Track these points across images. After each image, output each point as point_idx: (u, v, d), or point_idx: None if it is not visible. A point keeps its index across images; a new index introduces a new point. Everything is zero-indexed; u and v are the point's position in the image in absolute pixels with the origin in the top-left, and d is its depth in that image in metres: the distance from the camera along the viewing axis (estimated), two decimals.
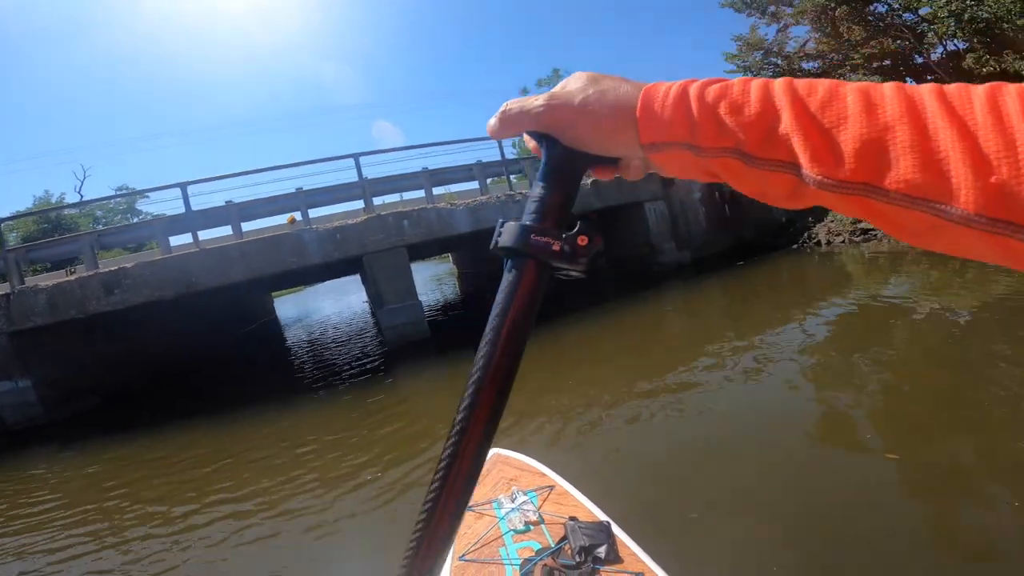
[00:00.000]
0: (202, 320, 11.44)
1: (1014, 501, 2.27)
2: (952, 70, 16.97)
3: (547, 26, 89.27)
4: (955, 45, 17.56)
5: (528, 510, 2.03)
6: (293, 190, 8.24)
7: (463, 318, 11.96)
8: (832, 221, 12.01)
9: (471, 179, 9.36)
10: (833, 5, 17.85)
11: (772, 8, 20.90)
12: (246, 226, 7.96)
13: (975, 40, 13.87)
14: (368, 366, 7.81)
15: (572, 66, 65.58)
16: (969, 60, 15.23)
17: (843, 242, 11.13)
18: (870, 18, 17.92)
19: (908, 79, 19.22)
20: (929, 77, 18.05)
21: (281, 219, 8.99)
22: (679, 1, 79.39)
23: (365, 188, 8.24)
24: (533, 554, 1.75)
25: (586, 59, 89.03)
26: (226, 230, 7.98)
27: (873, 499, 2.49)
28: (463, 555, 1.86)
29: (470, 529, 2.02)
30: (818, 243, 11.31)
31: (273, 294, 26.33)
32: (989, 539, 2.16)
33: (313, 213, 8.25)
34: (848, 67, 19.25)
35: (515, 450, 2.61)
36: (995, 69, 14.62)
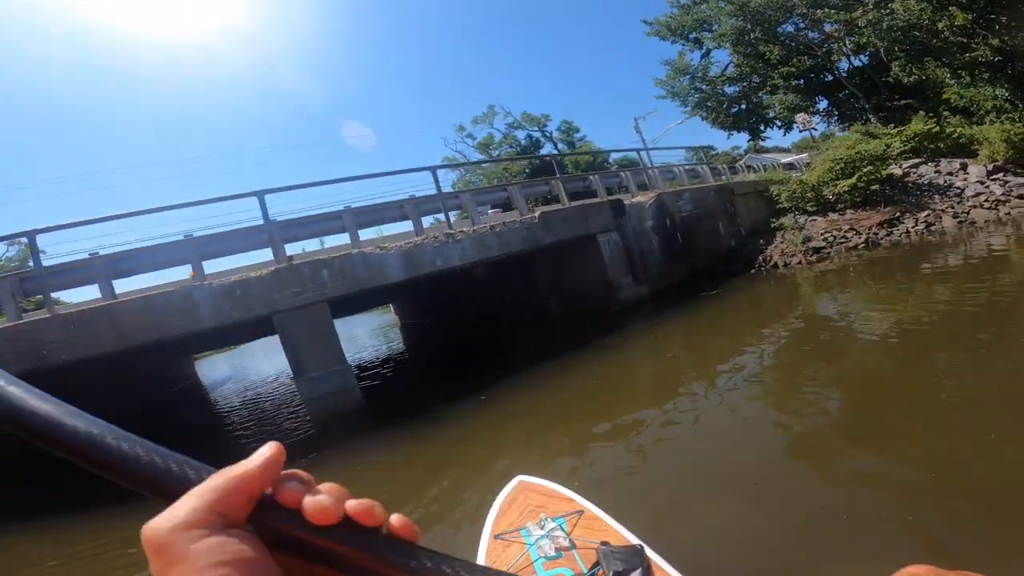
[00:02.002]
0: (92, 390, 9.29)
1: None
2: (860, 85, 18.16)
3: (482, 63, 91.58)
4: (859, 61, 18.95)
5: (558, 536, 2.02)
6: (181, 236, 6.76)
7: (405, 376, 10.53)
8: (783, 243, 11.80)
9: (403, 218, 8.21)
10: (749, 27, 18.87)
11: (694, 34, 21.99)
12: (131, 283, 6.35)
13: (896, 48, 14.65)
14: (288, 443, 6.23)
15: (507, 103, 67.29)
16: (895, 69, 16.19)
17: (799, 263, 10.84)
18: (782, 38, 19.08)
19: (821, 98, 20.47)
20: (842, 93, 19.27)
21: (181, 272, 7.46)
22: (614, 31, 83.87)
23: (272, 233, 6.89)
24: None
25: (522, 95, 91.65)
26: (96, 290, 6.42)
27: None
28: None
29: (500, 557, 2.02)
30: (775, 266, 10.98)
31: (200, 355, 23.47)
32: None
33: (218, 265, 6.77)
34: (768, 88, 20.38)
35: (538, 476, 2.60)
36: (920, 77, 15.58)
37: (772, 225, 12.99)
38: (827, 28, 18.43)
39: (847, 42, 18.58)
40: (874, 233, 11.58)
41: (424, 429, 5.85)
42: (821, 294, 8.92)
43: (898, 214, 12.07)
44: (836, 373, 4.91)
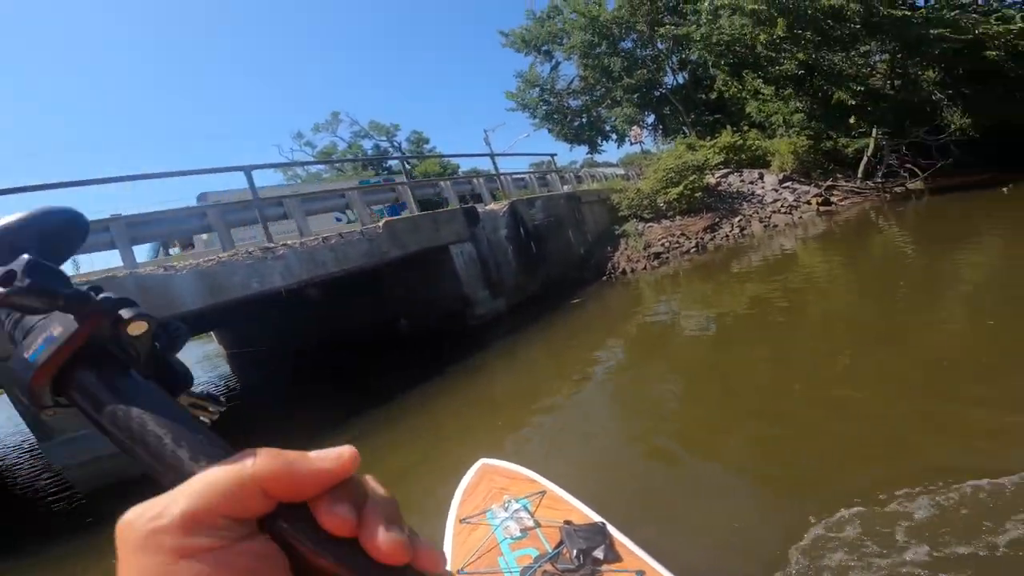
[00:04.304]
0: None
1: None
2: (682, 100, 20.67)
3: (327, 66, 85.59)
4: (682, 78, 21.57)
5: (523, 517, 2.11)
6: None
7: (232, 415, 8.51)
8: (627, 249, 12.35)
9: (205, 229, 6.59)
10: (596, 40, 20.29)
11: (546, 47, 23.01)
12: None
13: (722, 62, 16.53)
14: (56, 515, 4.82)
15: (355, 111, 63.94)
16: (719, 82, 18.36)
17: (643, 268, 11.38)
18: (623, 53, 20.92)
19: (647, 112, 22.86)
20: (667, 108, 21.78)
21: None
22: (469, 44, 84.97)
23: None
24: (532, 561, 1.84)
25: (370, 107, 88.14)
26: None
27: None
28: (462, 568, 1.94)
29: (466, 542, 2.09)
30: (623, 272, 11.43)
31: None
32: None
33: None
34: (609, 101, 22.18)
35: (501, 459, 2.73)
36: (739, 90, 17.90)
37: (615, 232, 13.66)
38: (660, 46, 20.50)
39: (674, 59, 20.87)
40: (701, 238, 12.83)
41: None
42: (659, 297, 9.93)
43: (717, 220, 13.63)
44: (667, 365, 5.93)
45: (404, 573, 0.25)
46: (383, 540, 0.24)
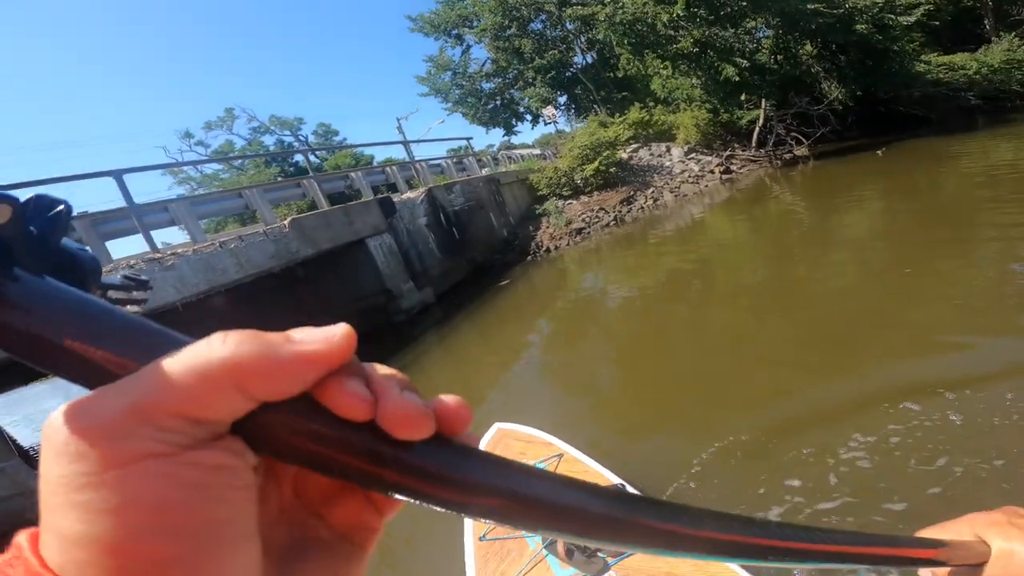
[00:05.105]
0: None
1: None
2: (592, 79, 21.08)
3: (217, 60, 77.92)
4: (591, 58, 21.97)
5: None
6: None
7: None
8: (550, 227, 12.46)
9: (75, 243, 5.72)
10: (507, 23, 20.11)
11: (456, 31, 22.44)
12: None
13: (625, 41, 16.87)
14: None
15: (254, 105, 59.14)
16: (623, 61, 18.77)
17: (567, 245, 11.53)
18: (533, 35, 20.93)
19: (561, 93, 23.16)
20: (578, 88, 22.14)
21: None
22: (376, 30, 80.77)
23: None
24: None
25: (271, 101, 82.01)
26: None
27: None
28: (483, 535, 1.96)
29: None
30: (547, 250, 11.52)
31: None
32: None
33: None
34: (521, 83, 22.17)
35: (516, 423, 2.76)
36: (639, 71, 18.40)
37: (536, 211, 13.73)
38: (568, 27, 20.64)
39: (583, 39, 21.13)
40: (618, 211, 13.17)
41: None
42: (584, 271, 10.15)
43: (632, 192, 14.06)
44: (597, 335, 6.22)
45: (437, 442, 0.21)
46: (410, 410, 0.20)
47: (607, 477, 2.18)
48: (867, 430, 2.71)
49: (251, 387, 0.18)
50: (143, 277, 0.32)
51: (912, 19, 17.38)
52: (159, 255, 6.45)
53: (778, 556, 0.29)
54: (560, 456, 2.35)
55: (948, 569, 0.45)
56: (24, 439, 12.78)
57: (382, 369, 0.22)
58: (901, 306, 4.21)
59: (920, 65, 18.89)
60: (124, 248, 14.12)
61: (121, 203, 6.77)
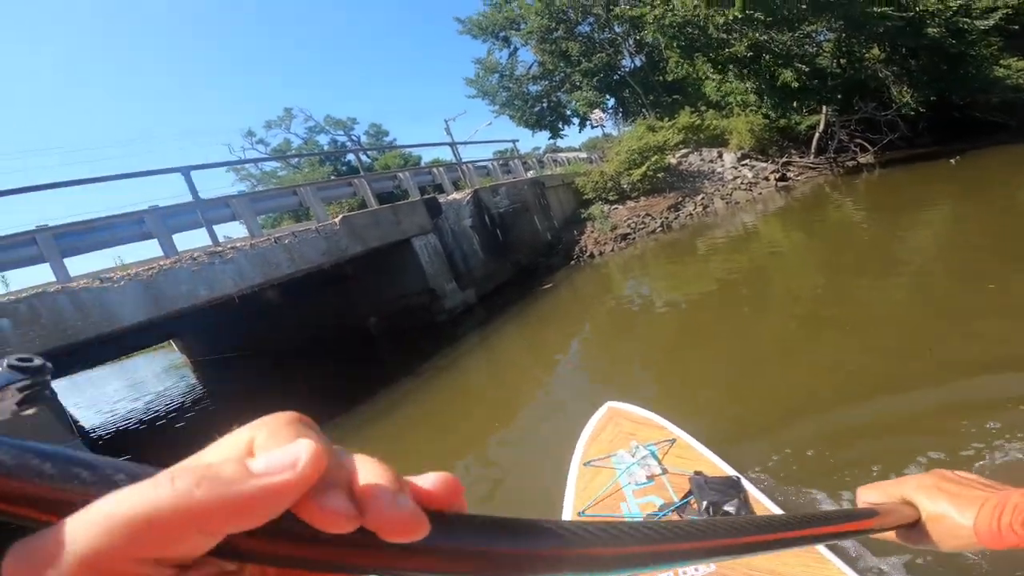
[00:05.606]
0: None
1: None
2: (640, 82, 20.73)
3: (281, 63, 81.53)
4: (639, 61, 21.61)
5: (650, 464, 2.06)
6: None
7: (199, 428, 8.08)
8: (594, 232, 12.32)
9: (144, 236, 6.16)
10: (554, 25, 20.13)
11: (503, 33, 22.67)
12: None
13: (674, 44, 16.53)
14: None
15: (310, 107, 61.51)
16: (671, 63, 18.39)
17: (611, 251, 11.37)
18: (580, 37, 20.85)
19: (609, 96, 22.87)
20: (626, 91, 21.84)
21: None
22: (427, 32, 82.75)
23: None
24: (656, 509, 1.82)
25: (327, 102, 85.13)
26: None
27: None
28: (582, 511, 1.94)
29: (590, 484, 2.09)
30: (591, 255, 11.39)
31: None
32: None
33: None
34: (568, 85, 22.10)
35: (630, 402, 2.69)
36: (689, 74, 17.97)
37: (581, 216, 13.61)
38: (617, 30, 20.45)
39: (631, 42, 20.87)
40: (666, 217, 12.87)
41: None
42: (628, 278, 9.93)
43: (681, 199, 13.71)
44: (640, 344, 6.01)
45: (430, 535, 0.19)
46: (400, 520, 0.18)
47: (721, 467, 2.05)
48: (943, 447, 2.53)
49: (214, 528, 0.17)
50: (35, 362, 0.28)
51: (990, 23, 16.22)
52: (220, 248, 6.80)
53: (730, 552, 0.31)
54: (673, 441, 2.24)
55: (886, 533, 0.50)
56: (87, 421, 13.80)
57: (366, 467, 0.20)
58: (969, 321, 3.92)
59: (999, 70, 17.56)
60: (188, 241, 14.98)
61: (188, 197, 7.24)
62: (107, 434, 11.14)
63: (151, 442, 8.92)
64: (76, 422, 12.30)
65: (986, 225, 6.97)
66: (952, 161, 12.65)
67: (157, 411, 11.90)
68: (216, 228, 7.50)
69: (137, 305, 5.70)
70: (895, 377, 3.38)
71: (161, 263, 6.18)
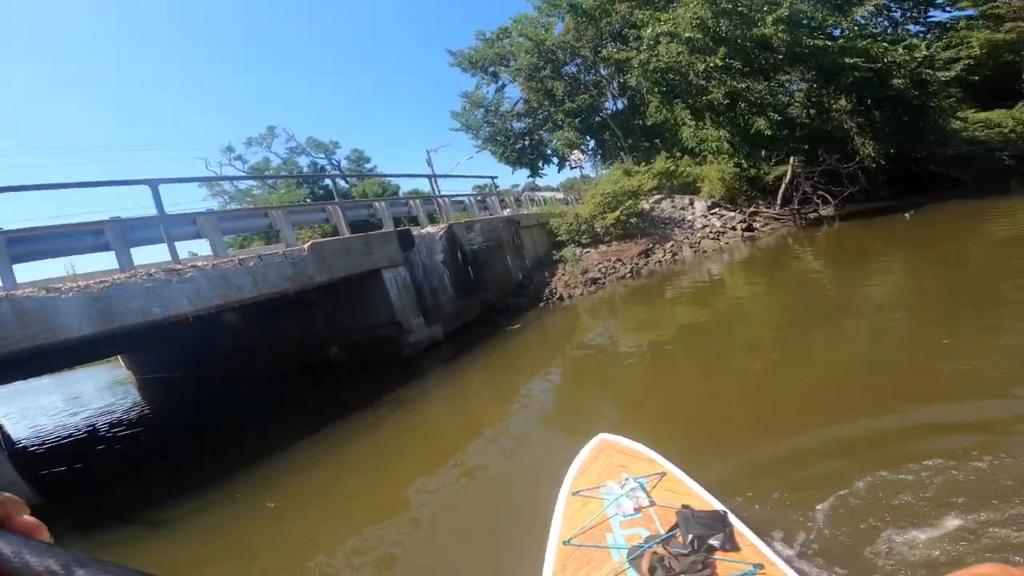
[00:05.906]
0: None
1: None
2: (620, 125, 21.49)
3: (266, 81, 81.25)
4: (621, 104, 22.49)
5: (638, 496, 2.08)
6: None
7: (131, 452, 7.62)
8: (565, 275, 12.48)
9: (103, 247, 5.99)
10: (542, 64, 20.87)
11: (493, 68, 23.36)
12: None
13: (656, 89, 17.17)
14: None
15: (294, 128, 61.35)
16: (651, 108, 19.04)
17: (581, 294, 11.50)
18: (566, 77, 21.63)
19: (589, 137, 23.60)
20: (607, 134, 22.57)
21: None
22: (414, 64, 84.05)
23: None
24: (642, 541, 1.83)
25: (310, 124, 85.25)
26: None
27: None
28: (568, 539, 1.95)
29: (578, 513, 2.10)
30: (560, 298, 11.50)
31: None
32: None
33: None
34: (550, 124, 22.76)
35: (621, 435, 2.69)
36: (667, 119, 18.61)
37: (554, 257, 13.79)
38: (603, 71, 21.30)
39: (615, 84, 21.74)
40: (636, 263, 13.17)
41: (145, 537, 4.57)
42: (597, 322, 10.04)
43: (651, 245, 14.09)
44: (605, 388, 6.05)
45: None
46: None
47: (709, 502, 2.08)
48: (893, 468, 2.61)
49: None
50: None
51: (951, 74, 17.21)
52: (179, 266, 6.62)
53: None
54: (663, 475, 2.25)
55: None
56: (16, 433, 12.94)
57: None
58: (916, 375, 4.13)
59: (956, 122, 18.54)
60: (152, 255, 14.51)
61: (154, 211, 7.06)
62: (33, 447, 10.49)
63: (85, 456, 8.39)
64: (6, 433, 11.51)
65: (939, 279, 7.39)
66: (906, 216, 13.32)
67: (94, 426, 11.28)
68: (184, 245, 7.34)
69: (83, 318, 5.47)
70: (845, 409, 3.73)
71: (115, 276, 5.97)
